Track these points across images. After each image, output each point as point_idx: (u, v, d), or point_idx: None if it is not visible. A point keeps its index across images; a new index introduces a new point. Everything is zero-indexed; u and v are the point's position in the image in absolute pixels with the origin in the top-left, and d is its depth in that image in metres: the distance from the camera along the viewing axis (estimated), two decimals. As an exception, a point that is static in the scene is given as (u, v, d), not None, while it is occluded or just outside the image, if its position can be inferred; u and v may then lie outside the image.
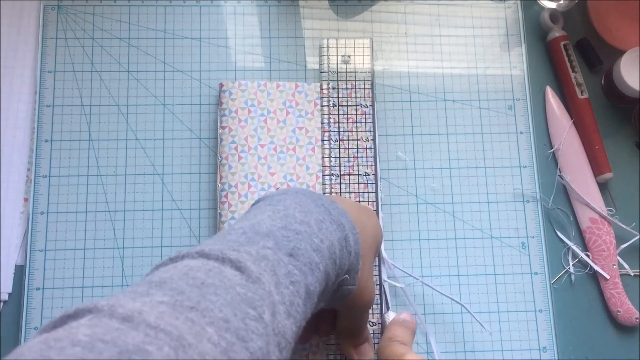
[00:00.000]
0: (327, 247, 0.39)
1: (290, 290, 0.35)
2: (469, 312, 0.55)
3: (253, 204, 0.44)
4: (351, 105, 0.59)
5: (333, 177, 0.57)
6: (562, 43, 0.61)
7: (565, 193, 0.60)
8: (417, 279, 0.56)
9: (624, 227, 0.58)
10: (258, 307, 0.32)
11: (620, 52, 0.59)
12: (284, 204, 0.41)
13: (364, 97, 0.59)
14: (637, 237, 0.58)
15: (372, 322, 0.54)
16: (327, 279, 0.40)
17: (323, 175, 0.57)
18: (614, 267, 0.57)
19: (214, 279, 0.32)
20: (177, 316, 0.29)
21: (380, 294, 0.54)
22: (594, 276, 0.58)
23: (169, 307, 0.29)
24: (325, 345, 0.53)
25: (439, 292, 0.55)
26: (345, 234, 0.42)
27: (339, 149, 0.58)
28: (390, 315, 0.52)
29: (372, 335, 0.53)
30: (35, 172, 0.57)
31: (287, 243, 0.37)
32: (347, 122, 0.58)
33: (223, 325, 0.30)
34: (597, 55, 0.62)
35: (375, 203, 0.57)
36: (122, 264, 0.55)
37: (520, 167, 0.60)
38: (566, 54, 0.61)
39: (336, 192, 0.57)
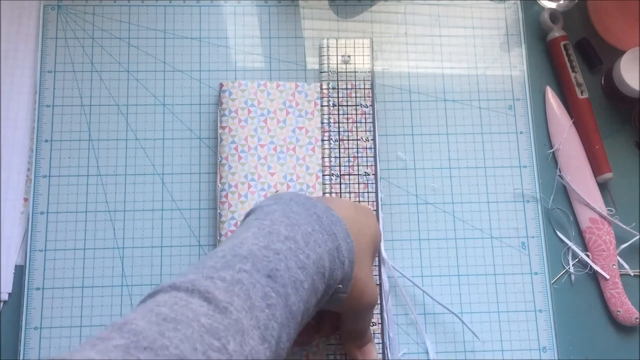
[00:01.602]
0: (314, 261, 0.39)
1: (266, 313, 0.35)
2: (462, 322, 0.55)
3: (246, 214, 0.44)
4: (351, 105, 0.59)
5: (333, 177, 0.57)
6: (562, 43, 0.61)
7: (565, 193, 0.60)
8: (415, 285, 0.55)
9: (624, 227, 0.58)
10: (222, 337, 0.32)
11: (620, 52, 0.59)
12: (272, 217, 0.41)
13: (364, 97, 0.59)
14: (637, 237, 0.58)
15: (372, 322, 0.54)
16: (315, 293, 0.39)
17: (323, 175, 0.57)
18: (614, 267, 0.57)
19: (177, 313, 0.32)
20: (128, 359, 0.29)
21: (381, 294, 0.54)
22: (594, 276, 0.58)
23: (122, 351, 0.29)
24: (325, 346, 0.53)
25: (433, 299, 0.55)
26: (337, 244, 0.42)
27: (339, 149, 0.58)
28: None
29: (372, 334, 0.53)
30: (35, 172, 0.57)
31: (266, 264, 0.37)
32: (347, 122, 0.58)
33: None
34: (597, 55, 0.62)
35: (375, 203, 0.57)
36: (122, 264, 0.55)
37: (520, 167, 0.60)
38: (566, 54, 0.61)
39: (336, 192, 0.57)
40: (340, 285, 0.43)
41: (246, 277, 0.35)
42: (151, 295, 0.35)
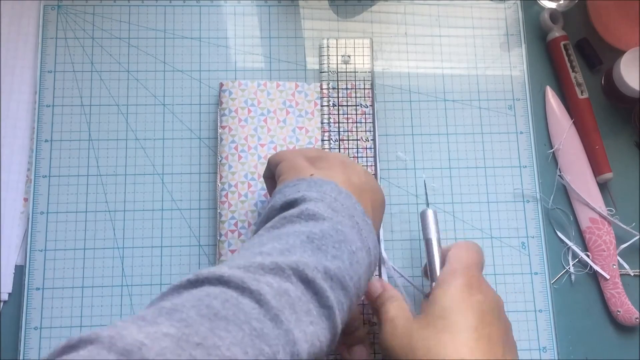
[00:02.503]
0: (355, 283, 0.39)
1: (311, 330, 0.35)
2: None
3: (282, 205, 0.42)
4: (351, 105, 0.59)
5: (333, 177, 0.57)
6: (562, 43, 0.61)
7: (565, 193, 0.60)
8: (415, 286, 0.55)
9: (624, 227, 0.58)
10: (273, 345, 0.32)
11: (620, 52, 0.59)
12: (321, 227, 0.39)
13: (364, 97, 0.59)
14: (637, 237, 0.58)
15: (373, 322, 0.54)
16: (349, 313, 0.39)
17: (323, 175, 0.57)
18: (614, 267, 0.57)
19: (229, 311, 0.31)
20: (180, 353, 0.28)
21: (380, 294, 0.54)
22: (594, 276, 0.58)
23: (173, 342, 0.28)
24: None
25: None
26: (371, 260, 0.41)
27: (339, 149, 0.58)
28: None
29: (372, 335, 0.53)
30: (35, 172, 0.57)
31: (313, 282, 0.36)
32: (347, 122, 0.58)
33: None
34: (597, 55, 0.62)
35: (375, 203, 0.57)
36: (122, 264, 0.55)
37: (520, 167, 0.60)
38: (566, 54, 0.61)
39: (336, 192, 0.57)
40: None
41: (292, 290, 0.35)
42: (193, 283, 0.34)
